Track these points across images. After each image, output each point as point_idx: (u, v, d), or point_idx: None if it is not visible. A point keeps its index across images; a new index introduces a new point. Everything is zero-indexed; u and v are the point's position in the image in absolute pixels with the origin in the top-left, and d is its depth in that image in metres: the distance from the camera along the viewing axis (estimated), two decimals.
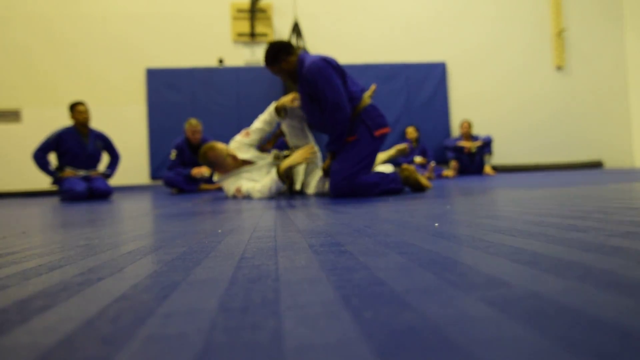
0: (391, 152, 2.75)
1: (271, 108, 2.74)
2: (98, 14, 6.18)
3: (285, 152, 2.84)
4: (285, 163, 2.53)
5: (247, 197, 2.66)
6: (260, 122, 2.80)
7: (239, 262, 0.64)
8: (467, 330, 0.32)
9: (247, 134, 2.84)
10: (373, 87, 2.47)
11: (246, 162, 2.83)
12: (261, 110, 6.07)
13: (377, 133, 2.36)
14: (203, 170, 4.48)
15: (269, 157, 2.87)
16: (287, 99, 2.61)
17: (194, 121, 4.64)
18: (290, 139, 2.76)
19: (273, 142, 2.93)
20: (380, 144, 2.39)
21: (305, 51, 2.52)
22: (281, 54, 2.40)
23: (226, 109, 6.24)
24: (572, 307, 0.36)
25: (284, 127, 2.78)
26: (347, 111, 2.27)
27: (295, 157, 2.52)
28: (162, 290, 0.49)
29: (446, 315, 0.35)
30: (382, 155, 2.69)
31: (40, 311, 0.44)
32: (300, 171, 2.79)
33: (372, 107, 2.40)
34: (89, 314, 0.42)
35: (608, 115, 6.97)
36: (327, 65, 2.28)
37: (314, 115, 2.43)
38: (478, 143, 5.89)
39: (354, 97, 2.37)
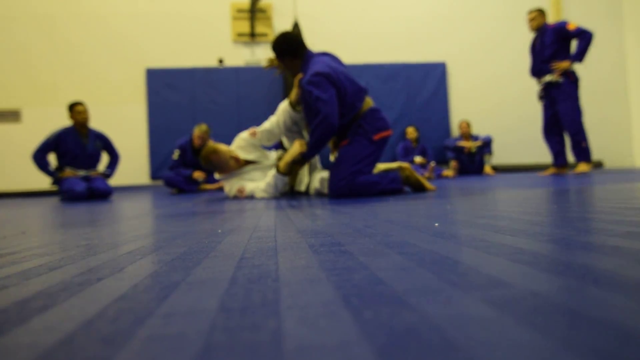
0: (392, 165, 2.68)
1: (284, 106, 2.60)
2: (98, 14, 6.18)
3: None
4: (284, 159, 2.49)
5: (250, 197, 2.65)
6: (271, 123, 2.66)
7: (239, 262, 0.64)
8: (467, 331, 0.32)
9: (254, 134, 2.74)
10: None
11: (249, 162, 2.82)
12: (261, 110, 6.10)
13: (376, 137, 2.35)
14: (204, 175, 4.59)
15: (272, 157, 2.86)
16: (295, 88, 2.50)
17: (204, 127, 4.68)
18: (289, 143, 2.75)
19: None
20: (381, 147, 2.38)
21: (310, 52, 2.44)
22: (287, 55, 2.41)
23: (226, 109, 6.24)
24: (572, 307, 0.36)
25: (287, 135, 2.75)
26: (334, 126, 2.26)
27: (292, 151, 2.46)
28: (162, 290, 0.49)
29: (446, 315, 0.35)
30: (381, 166, 2.65)
31: (40, 311, 0.44)
32: (305, 173, 2.78)
33: (371, 111, 2.38)
34: (89, 314, 0.42)
35: (608, 116, 6.97)
36: (322, 80, 2.24)
37: (309, 118, 2.43)
38: (478, 143, 5.90)
39: (353, 107, 2.35)
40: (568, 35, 4.05)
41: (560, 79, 4.07)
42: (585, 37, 3.92)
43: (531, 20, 4.26)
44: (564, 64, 4.03)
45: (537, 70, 4.25)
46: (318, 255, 0.67)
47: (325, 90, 2.23)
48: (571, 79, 4.10)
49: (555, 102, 4.20)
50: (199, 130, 4.64)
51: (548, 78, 4.14)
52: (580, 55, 3.94)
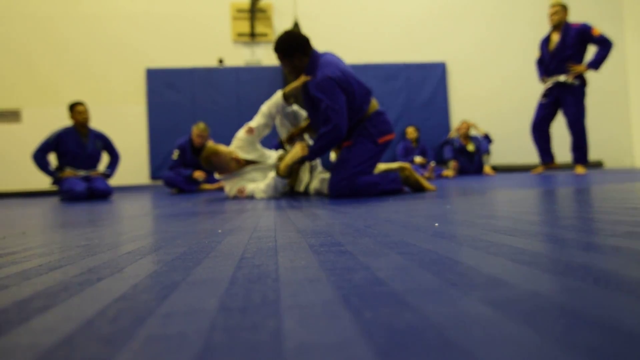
0: (393, 165, 2.67)
1: (277, 97, 2.57)
2: (98, 14, 6.19)
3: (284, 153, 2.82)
4: (285, 162, 2.48)
5: (250, 197, 2.65)
6: (263, 115, 2.63)
7: (239, 262, 0.64)
8: (467, 331, 0.32)
9: (251, 131, 2.70)
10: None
11: (249, 162, 2.81)
12: None
13: (381, 140, 2.35)
14: (204, 174, 4.60)
15: (273, 157, 2.86)
16: (295, 85, 2.44)
17: (202, 125, 4.67)
18: (284, 132, 2.74)
19: (297, 132, 2.66)
20: (383, 150, 2.38)
21: (315, 51, 2.38)
22: (296, 52, 2.33)
23: (226, 109, 6.24)
24: (572, 307, 0.36)
25: (280, 128, 2.75)
26: (343, 135, 2.25)
27: (292, 154, 2.44)
28: (162, 290, 0.49)
29: (446, 315, 0.35)
30: (382, 166, 2.65)
31: (40, 311, 0.44)
32: (305, 173, 2.77)
33: (377, 114, 2.37)
34: (89, 314, 0.42)
35: (608, 116, 6.97)
36: (334, 85, 2.21)
37: (313, 119, 2.42)
38: (480, 129, 6.03)
39: (360, 110, 2.33)
40: (590, 40, 4.00)
41: (576, 82, 4.06)
42: (606, 47, 3.90)
43: (553, 14, 4.11)
44: (581, 68, 4.00)
45: (553, 67, 4.17)
46: (318, 255, 0.67)
47: (336, 98, 2.21)
48: (583, 82, 4.09)
49: (561, 103, 4.18)
50: (197, 129, 4.64)
51: (562, 78, 4.09)
52: (597, 64, 3.91)
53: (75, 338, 0.35)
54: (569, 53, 4.06)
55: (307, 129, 2.65)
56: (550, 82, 4.20)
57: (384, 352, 0.29)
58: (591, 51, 4.28)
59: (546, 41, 4.27)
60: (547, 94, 4.26)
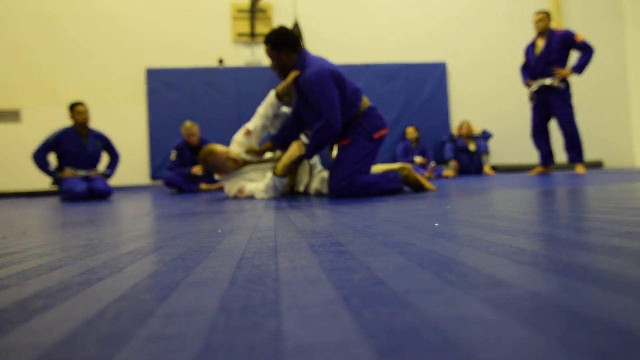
0: (394, 167, 2.65)
1: (270, 97, 2.61)
2: (98, 14, 6.19)
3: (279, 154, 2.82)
4: (282, 162, 2.47)
5: (250, 197, 2.65)
6: (260, 117, 2.66)
7: (239, 262, 0.64)
8: (467, 331, 0.32)
9: (248, 133, 2.72)
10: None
11: (247, 162, 2.81)
12: None
13: (376, 135, 2.36)
14: (202, 169, 4.57)
15: (272, 157, 2.86)
16: (287, 82, 2.45)
17: (188, 124, 4.65)
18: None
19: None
20: (378, 145, 2.39)
21: (305, 51, 2.42)
22: (286, 46, 2.36)
23: (226, 109, 6.24)
24: (572, 307, 0.36)
25: (273, 129, 2.76)
26: (337, 130, 2.26)
27: (289, 153, 2.44)
28: (162, 290, 0.49)
29: (446, 316, 0.35)
30: (382, 167, 2.64)
31: (41, 311, 0.44)
32: (304, 173, 2.77)
33: (370, 110, 2.39)
34: (89, 314, 0.42)
35: (608, 115, 6.97)
36: (327, 78, 2.23)
37: (308, 116, 2.42)
38: (477, 130, 6.03)
39: (353, 105, 2.35)
40: (573, 45, 4.23)
41: (562, 85, 4.24)
42: (588, 52, 4.12)
43: (538, 21, 4.36)
44: (565, 72, 4.19)
45: (539, 71, 4.37)
46: (318, 255, 0.67)
47: (329, 92, 2.22)
48: (567, 85, 4.31)
49: (549, 106, 4.35)
50: (184, 129, 4.64)
51: (548, 82, 4.28)
52: (580, 68, 4.14)
53: (75, 338, 0.35)
54: (554, 57, 4.27)
55: (257, 152, 2.70)
56: (535, 85, 4.38)
57: (384, 352, 0.29)
58: (574, 56, 4.50)
59: (531, 47, 4.49)
60: (534, 97, 4.43)
